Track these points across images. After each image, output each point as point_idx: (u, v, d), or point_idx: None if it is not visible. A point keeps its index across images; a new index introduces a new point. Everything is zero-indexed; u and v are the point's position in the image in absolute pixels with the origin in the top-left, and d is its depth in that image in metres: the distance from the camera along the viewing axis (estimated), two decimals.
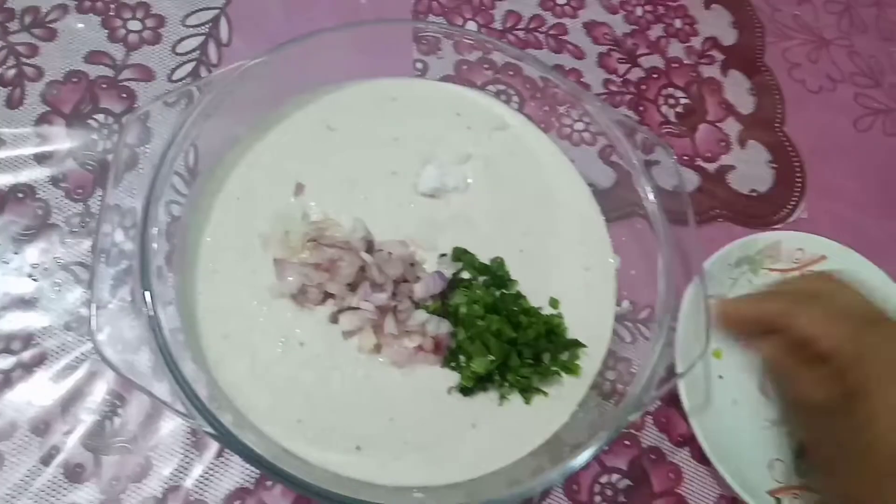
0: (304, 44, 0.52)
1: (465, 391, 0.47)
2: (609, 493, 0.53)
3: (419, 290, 0.49)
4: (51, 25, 0.59)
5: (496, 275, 0.50)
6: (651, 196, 0.54)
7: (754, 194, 0.68)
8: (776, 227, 0.67)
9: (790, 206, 0.68)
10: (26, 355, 0.49)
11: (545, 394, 0.48)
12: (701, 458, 0.54)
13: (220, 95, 0.48)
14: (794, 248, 0.63)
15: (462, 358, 0.48)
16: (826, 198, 0.69)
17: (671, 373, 0.53)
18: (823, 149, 0.71)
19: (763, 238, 0.62)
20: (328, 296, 0.48)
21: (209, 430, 0.40)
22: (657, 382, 0.47)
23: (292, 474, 0.39)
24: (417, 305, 0.49)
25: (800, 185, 0.69)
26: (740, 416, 0.56)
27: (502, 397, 0.48)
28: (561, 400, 0.49)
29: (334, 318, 0.48)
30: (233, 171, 0.51)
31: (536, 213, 0.55)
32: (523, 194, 0.55)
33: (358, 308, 0.47)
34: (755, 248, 0.62)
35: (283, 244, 0.49)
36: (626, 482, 0.53)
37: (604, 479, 0.53)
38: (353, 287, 0.48)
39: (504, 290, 0.50)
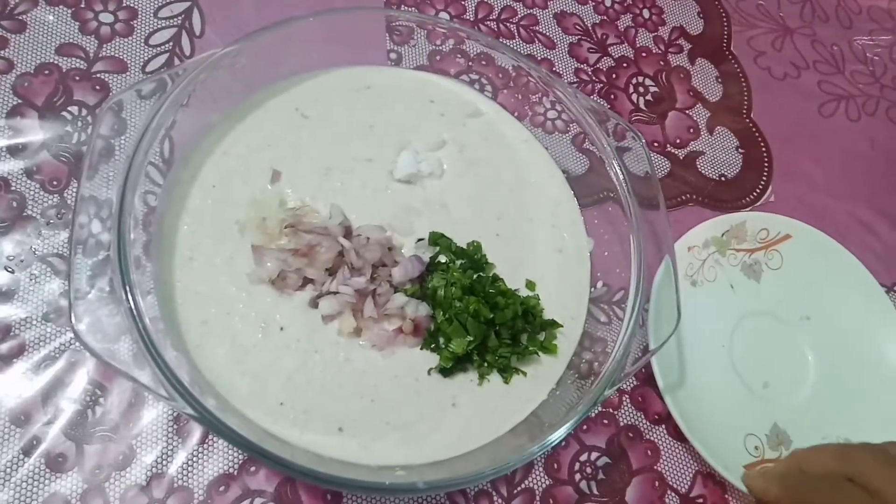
0: (276, 32, 0.52)
1: (445, 372, 0.48)
2: (589, 470, 0.54)
3: (398, 273, 0.49)
4: (20, 18, 0.58)
5: (473, 258, 0.51)
6: (623, 181, 0.55)
7: (723, 179, 0.70)
8: (745, 210, 0.69)
9: (758, 190, 0.70)
10: (4, 347, 0.48)
11: (523, 373, 0.50)
12: (677, 434, 0.56)
13: (192, 84, 0.48)
14: (758, 229, 0.65)
15: (441, 339, 0.49)
16: (792, 181, 0.71)
17: (645, 351, 0.54)
18: (789, 134, 0.74)
19: (728, 219, 0.64)
20: (307, 281, 0.49)
21: (192, 413, 0.41)
22: (632, 360, 0.49)
23: (276, 454, 0.40)
24: (396, 289, 0.50)
25: (767, 169, 0.72)
26: (714, 393, 0.58)
27: (481, 377, 0.49)
28: (539, 379, 0.50)
29: (314, 303, 0.48)
30: (208, 160, 0.51)
31: (511, 197, 0.56)
32: (498, 180, 0.56)
33: (337, 292, 0.48)
34: (721, 230, 0.64)
35: (261, 230, 0.50)
36: (605, 460, 0.54)
37: (583, 458, 0.54)
38: (331, 272, 0.49)
39: (481, 273, 0.51)
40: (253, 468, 0.49)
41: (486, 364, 0.49)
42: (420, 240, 0.52)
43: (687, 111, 0.73)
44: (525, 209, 0.56)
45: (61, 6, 0.60)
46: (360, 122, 0.55)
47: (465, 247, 0.52)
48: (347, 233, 0.50)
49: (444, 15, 0.70)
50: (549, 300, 0.53)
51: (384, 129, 0.55)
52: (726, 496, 0.56)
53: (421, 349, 0.49)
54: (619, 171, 0.56)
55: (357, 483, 0.40)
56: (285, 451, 0.41)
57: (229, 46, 0.49)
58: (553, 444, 0.43)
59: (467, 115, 0.59)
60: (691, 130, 0.72)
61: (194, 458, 0.48)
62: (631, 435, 0.56)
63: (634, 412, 0.57)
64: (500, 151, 0.58)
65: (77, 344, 0.49)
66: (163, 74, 0.47)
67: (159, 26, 0.61)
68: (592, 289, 0.56)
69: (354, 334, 0.48)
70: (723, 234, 0.64)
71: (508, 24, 0.72)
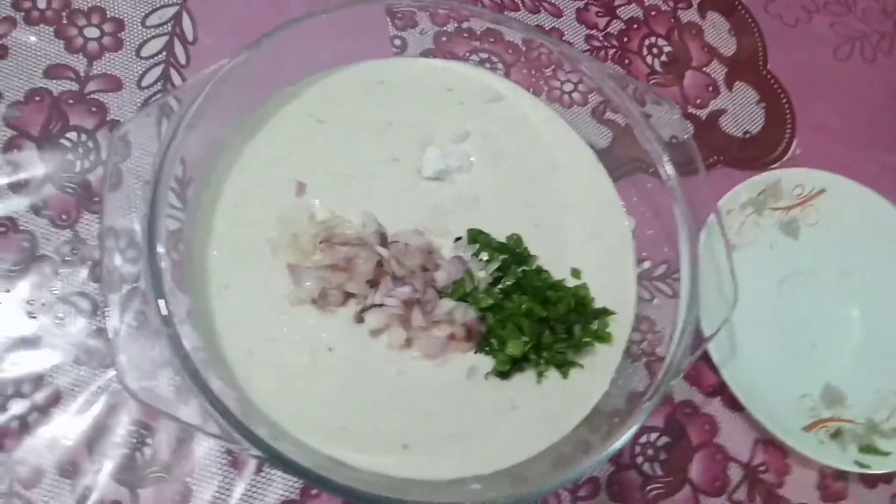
0: (279, 36, 0.48)
1: (502, 374, 0.47)
2: (650, 452, 0.53)
3: (441, 277, 0.47)
4: (1, 42, 0.54)
5: (515, 252, 0.49)
6: (657, 147, 0.53)
7: (748, 136, 0.68)
8: (773, 166, 0.67)
9: (784, 145, 0.68)
10: (39, 397, 0.46)
11: (581, 366, 0.48)
12: (732, 405, 0.55)
13: (204, 102, 0.45)
14: (793, 185, 0.63)
15: (494, 342, 0.47)
16: (816, 132, 0.69)
17: (698, 330, 0.53)
18: (808, 83, 0.71)
19: (763, 179, 0.62)
20: (349, 296, 0.47)
21: (247, 447, 0.39)
22: (691, 346, 0.47)
23: (340, 483, 0.38)
24: (441, 294, 0.48)
25: (790, 122, 0.70)
26: (764, 358, 0.57)
27: (540, 374, 0.47)
28: (597, 370, 0.48)
29: (359, 318, 0.46)
30: (227, 179, 0.49)
31: (543, 183, 0.54)
32: (527, 166, 0.54)
33: (382, 304, 0.46)
34: (757, 190, 0.62)
35: (294, 248, 0.47)
36: (665, 439, 0.54)
37: (643, 440, 0.53)
38: (373, 283, 0.47)
39: (525, 267, 0.49)
40: (314, 492, 0.47)
41: (542, 361, 0.47)
42: (458, 239, 0.50)
43: (703, 69, 0.70)
44: (559, 194, 0.53)
45: (42, 24, 0.56)
46: (378, 121, 0.52)
47: (504, 241, 0.50)
48: (384, 241, 0.48)
49: None
50: (596, 285, 0.51)
51: (405, 126, 0.52)
52: (787, 461, 0.55)
53: (475, 353, 0.47)
54: (651, 137, 0.53)
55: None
56: (349, 476, 0.40)
57: (235, 58, 0.46)
58: (624, 444, 0.42)
59: (487, 101, 0.56)
60: (710, 89, 0.69)
61: (253, 489, 0.47)
62: (688, 411, 0.55)
63: (688, 387, 0.56)
64: (525, 136, 0.55)
65: (114, 385, 0.47)
66: (168, 96, 0.44)
67: (149, 35, 0.57)
68: (637, 268, 0.54)
69: (405, 346, 0.46)
70: (759, 194, 0.62)
71: None
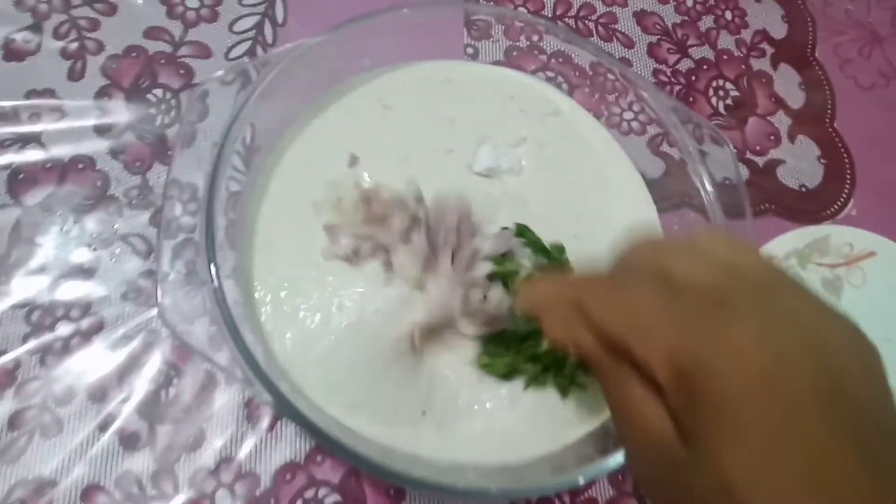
0: (359, 25, 0.52)
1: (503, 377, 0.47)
2: None
3: (488, 245, 0.48)
4: (111, 1, 0.59)
5: (557, 259, 0.50)
6: (708, 186, 0.53)
7: (804, 189, 0.67)
8: (825, 222, 0.66)
9: (840, 203, 0.67)
10: (84, 323, 0.49)
11: (585, 388, 0.48)
12: None
13: (279, 75, 0.48)
14: (843, 243, 0.62)
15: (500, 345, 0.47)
16: (876, 195, 0.68)
17: None
18: (874, 146, 0.71)
19: (812, 231, 0.62)
20: (380, 252, 0.48)
21: (267, 398, 0.41)
22: None
23: (349, 447, 0.39)
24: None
25: (849, 181, 0.69)
26: None
27: (563, 393, 0.47)
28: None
29: (388, 264, 0.48)
30: (290, 147, 0.51)
31: (589, 198, 0.55)
32: (577, 179, 0.55)
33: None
34: (804, 242, 0.61)
35: (336, 209, 0.50)
36: None
37: None
38: (406, 240, 0.48)
39: None
40: (319, 458, 0.49)
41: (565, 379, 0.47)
42: (505, 228, 0.50)
43: (768, 118, 0.70)
44: (603, 212, 0.54)
45: None
46: (440, 115, 0.55)
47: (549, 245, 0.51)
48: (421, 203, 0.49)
49: (522, 10, 0.69)
50: None
51: (465, 123, 0.55)
52: None
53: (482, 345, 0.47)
54: (703, 174, 0.54)
55: (428, 484, 0.40)
56: (357, 441, 0.41)
57: (315, 38, 0.49)
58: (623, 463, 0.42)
59: (547, 114, 0.57)
60: (772, 138, 0.69)
61: (262, 445, 0.48)
62: None
63: None
64: (580, 151, 0.56)
65: (154, 324, 0.50)
66: (247, 65, 0.48)
67: (243, 13, 0.61)
68: None
69: (416, 286, 0.47)
70: (805, 247, 0.61)
71: (587, 21, 0.70)
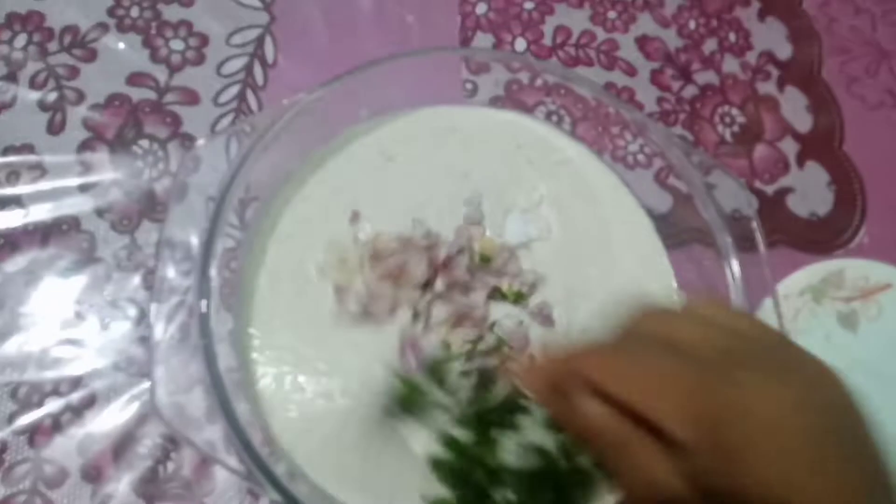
0: (356, 77, 0.49)
1: None
2: None
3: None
4: (91, 45, 0.56)
5: None
6: (718, 220, 0.52)
7: (814, 218, 0.66)
8: (837, 252, 0.64)
9: (851, 231, 0.66)
10: (75, 397, 0.47)
11: None
12: None
13: (276, 133, 0.46)
14: (858, 276, 0.61)
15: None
16: (889, 220, 0.66)
17: None
18: (884, 170, 0.69)
19: (826, 266, 0.60)
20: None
21: (261, 482, 0.39)
22: None
23: None
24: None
25: (861, 208, 0.67)
26: None
27: None
28: None
29: (416, 313, 0.46)
30: (286, 208, 0.49)
31: (598, 253, 0.53)
32: (587, 236, 0.53)
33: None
34: (818, 277, 0.60)
35: (341, 269, 0.48)
36: None
37: None
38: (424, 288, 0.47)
39: None
40: None
41: None
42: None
43: (776, 143, 0.68)
44: (610, 264, 0.52)
45: (132, 32, 0.58)
46: (449, 166, 0.52)
47: None
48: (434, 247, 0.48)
49: (520, 41, 0.66)
50: None
51: (477, 177, 0.52)
52: None
53: None
54: (711, 208, 0.53)
55: None
56: None
57: (310, 93, 0.47)
58: None
59: (554, 163, 0.55)
60: (780, 165, 0.67)
61: None
62: None
63: None
64: (589, 204, 0.54)
65: (148, 395, 0.47)
66: (243, 125, 0.46)
67: (231, 54, 0.58)
68: None
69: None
70: (820, 282, 0.60)
71: (587, 50, 0.68)
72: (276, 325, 0.46)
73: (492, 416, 0.36)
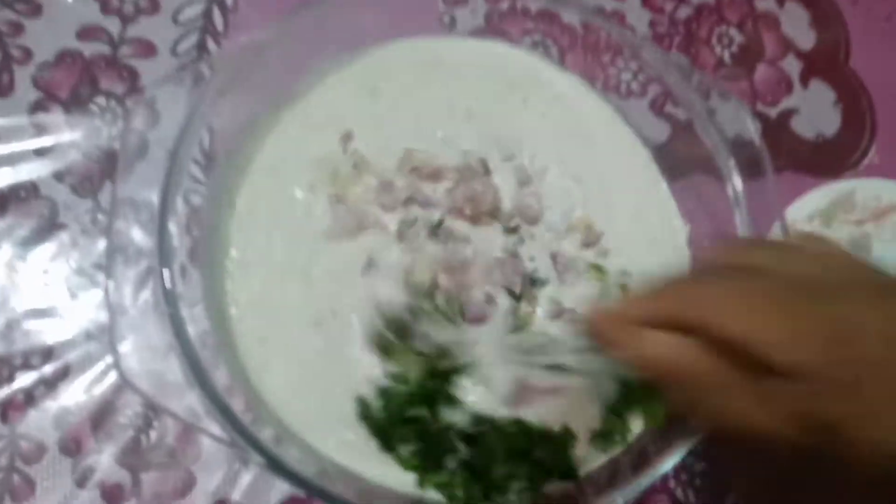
0: (320, 7, 0.46)
1: None
2: (685, 477, 0.49)
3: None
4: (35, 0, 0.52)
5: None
6: (721, 146, 0.48)
7: (821, 140, 0.62)
8: (846, 173, 0.61)
9: (861, 151, 0.62)
10: (48, 370, 0.45)
11: None
12: None
13: (233, 73, 0.42)
14: (869, 197, 0.58)
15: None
16: None
17: None
18: (894, 83, 0.65)
19: (835, 188, 0.57)
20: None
21: (246, 450, 0.37)
22: None
23: (344, 498, 0.36)
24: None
25: (870, 126, 0.63)
26: None
27: None
28: None
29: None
30: (258, 152, 0.46)
31: (598, 193, 0.50)
32: (587, 178, 0.50)
33: None
34: (827, 200, 0.57)
35: (335, 182, 0.45)
36: (703, 465, 0.49)
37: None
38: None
39: None
40: None
41: None
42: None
43: (777, 63, 0.64)
44: (609, 200, 0.50)
45: None
46: (442, 101, 0.49)
47: None
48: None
49: None
50: None
51: (478, 120, 0.49)
52: None
53: None
54: (714, 133, 0.49)
55: None
56: (357, 486, 0.37)
57: (270, 28, 0.43)
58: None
59: (550, 99, 0.52)
60: (783, 85, 0.63)
61: (259, 481, 0.45)
62: None
63: None
64: (585, 140, 0.51)
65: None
66: (200, 65, 0.42)
67: (188, 0, 0.54)
68: None
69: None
70: (829, 205, 0.57)
71: None
72: (252, 275, 0.43)
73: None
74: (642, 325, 0.27)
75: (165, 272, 0.40)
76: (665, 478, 0.48)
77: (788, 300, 0.25)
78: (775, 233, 0.50)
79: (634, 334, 0.27)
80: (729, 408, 0.26)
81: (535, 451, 0.38)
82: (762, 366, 0.24)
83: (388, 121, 0.48)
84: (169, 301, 0.39)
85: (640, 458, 0.39)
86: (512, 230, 0.47)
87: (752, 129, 0.51)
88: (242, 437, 0.37)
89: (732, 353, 0.25)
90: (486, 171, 0.47)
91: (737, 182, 0.48)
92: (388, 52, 0.50)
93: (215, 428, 0.39)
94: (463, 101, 0.50)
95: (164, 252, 0.40)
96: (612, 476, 0.40)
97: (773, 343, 0.24)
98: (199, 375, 0.38)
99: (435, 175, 0.46)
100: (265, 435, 0.38)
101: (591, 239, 0.48)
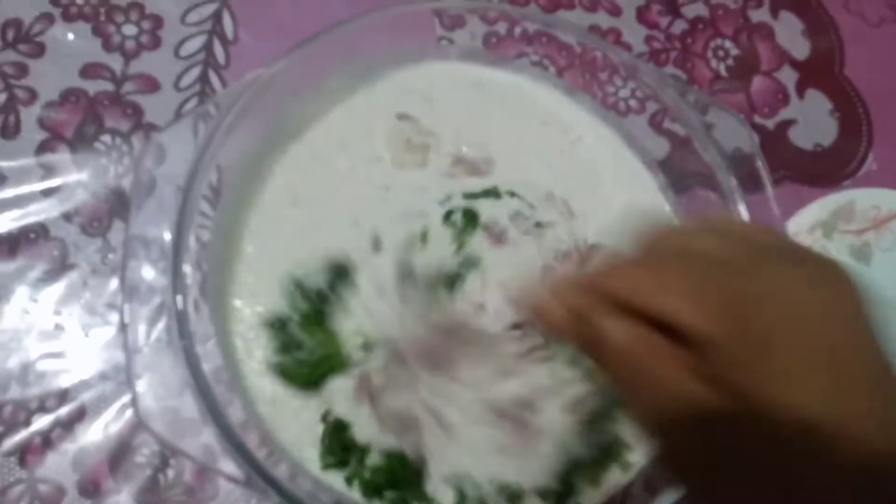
0: (323, 39, 0.46)
1: None
2: None
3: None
4: (37, 39, 0.52)
5: None
6: (720, 161, 0.49)
7: (819, 149, 0.62)
8: (845, 182, 0.61)
9: (858, 159, 0.63)
10: (63, 412, 0.45)
11: None
12: None
13: (242, 109, 0.43)
14: (868, 206, 0.58)
15: None
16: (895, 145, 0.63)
17: None
18: (889, 88, 0.65)
19: (835, 199, 0.57)
20: None
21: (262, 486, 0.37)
22: None
23: None
24: None
25: (866, 134, 0.64)
26: None
27: None
28: None
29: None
30: (266, 182, 0.46)
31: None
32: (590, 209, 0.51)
33: None
34: (827, 211, 0.57)
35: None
36: None
37: None
38: None
39: None
40: None
41: None
42: None
43: (773, 74, 0.65)
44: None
45: (80, 21, 0.54)
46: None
47: None
48: None
49: None
50: None
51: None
52: None
53: None
54: (712, 149, 0.50)
55: None
56: None
57: (274, 64, 0.43)
58: None
59: (570, 142, 0.54)
60: (780, 96, 0.64)
61: None
62: None
63: None
64: (602, 183, 0.53)
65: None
66: (207, 106, 0.42)
67: (188, 34, 0.55)
68: None
69: None
70: (829, 217, 0.57)
71: None
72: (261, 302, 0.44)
73: None
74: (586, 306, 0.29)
75: (180, 306, 0.40)
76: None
77: (708, 280, 0.27)
78: None
79: (580, 321, 0.29)
80: (660, 380, 0.27)
81: None
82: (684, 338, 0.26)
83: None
84: (184, 338, 0.40)
85: None
86: None
87: (750, 143, 0.52)
88: (258, 474, 0.37)
89: (661, 329, 0.27)
90: None
91: (738, 197, 0.49)
92: (395, 79, 0.51)
93: (231, 467, 0.39)
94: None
95: (178, 289, 0.40)
96: None
97: (690, 316, 0.26)
98: (213, 412, 0.38)
99: None
100: (280, 471, 0.38)
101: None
